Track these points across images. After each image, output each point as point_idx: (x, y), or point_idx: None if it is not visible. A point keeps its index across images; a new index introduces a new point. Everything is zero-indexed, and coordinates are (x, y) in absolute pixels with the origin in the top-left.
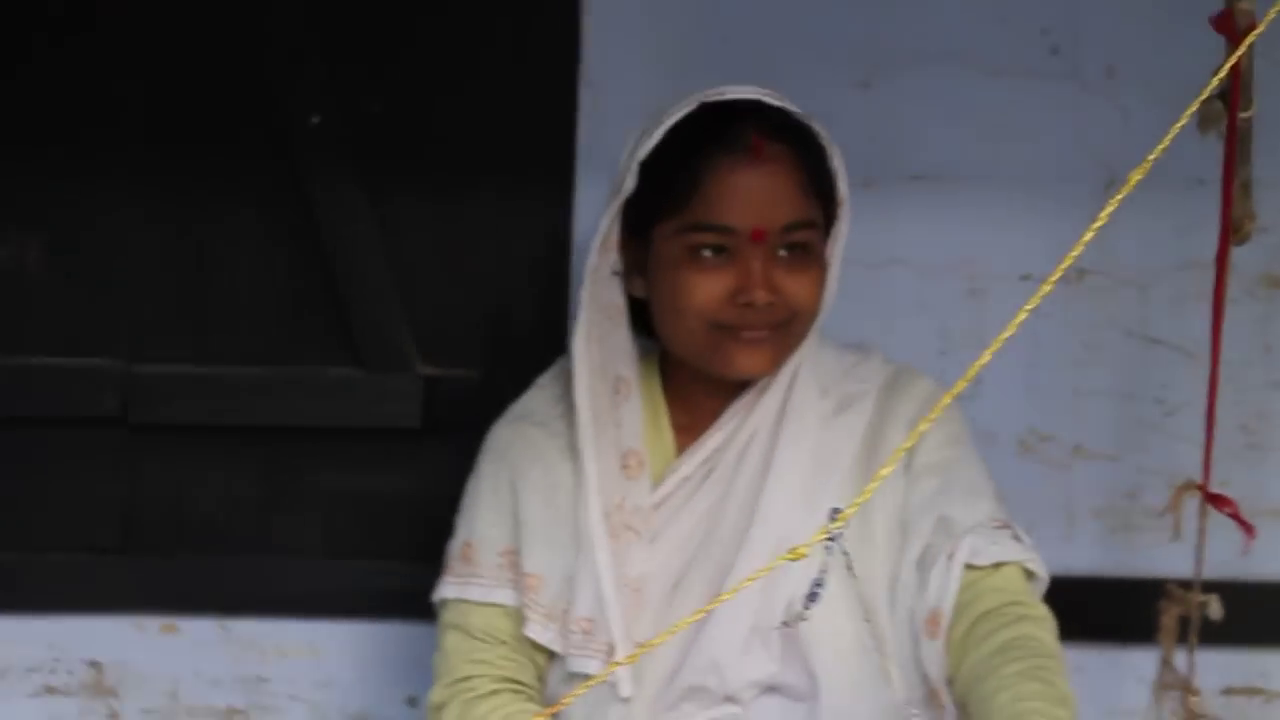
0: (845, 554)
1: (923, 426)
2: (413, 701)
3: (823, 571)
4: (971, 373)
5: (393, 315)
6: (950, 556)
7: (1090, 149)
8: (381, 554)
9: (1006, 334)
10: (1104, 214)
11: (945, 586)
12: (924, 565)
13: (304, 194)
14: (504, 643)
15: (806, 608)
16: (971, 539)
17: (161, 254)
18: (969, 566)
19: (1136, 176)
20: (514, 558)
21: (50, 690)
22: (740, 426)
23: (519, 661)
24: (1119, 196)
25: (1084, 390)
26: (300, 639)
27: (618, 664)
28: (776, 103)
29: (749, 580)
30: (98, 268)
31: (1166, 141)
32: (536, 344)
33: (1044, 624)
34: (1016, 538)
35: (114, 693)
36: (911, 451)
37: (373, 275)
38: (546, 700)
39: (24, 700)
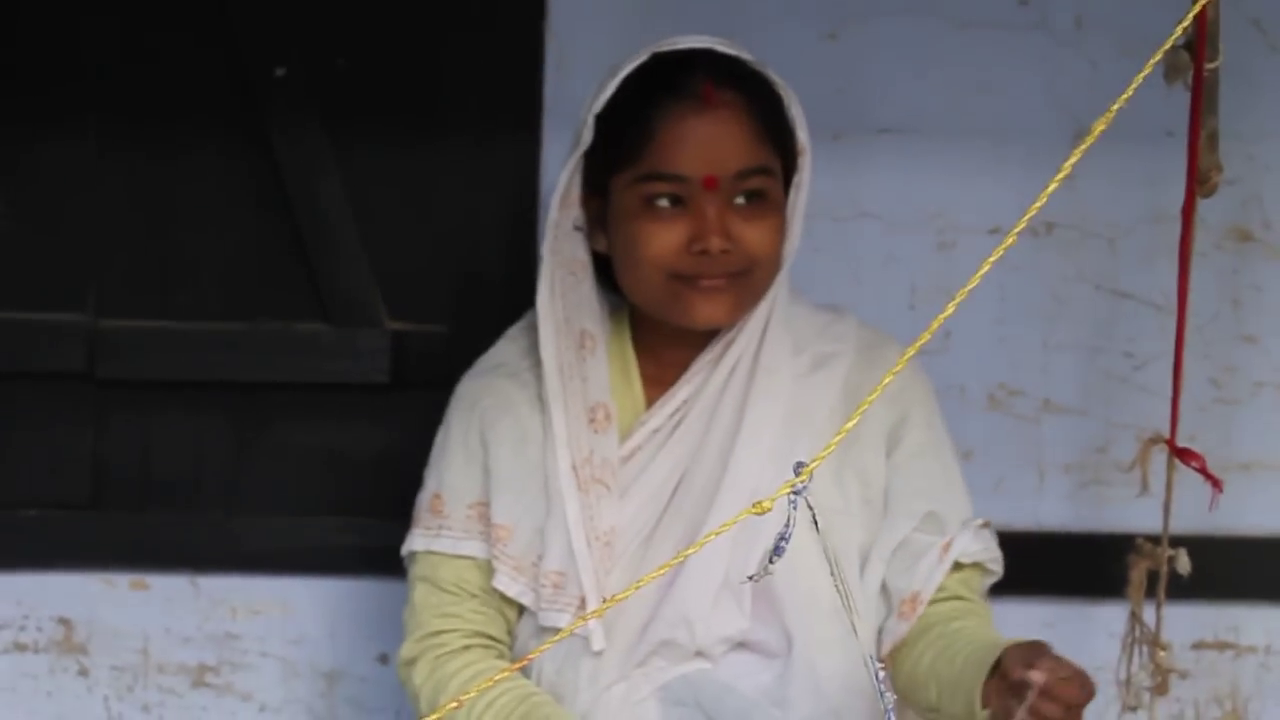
0: (811, 509)
1: (887, 379)
2: (384, 659)
3: (788, 526)
4: (936, 324)
5: (360, 270)
6: (945, 550)
7: (1059, 101)
8: (351, 510)
9: (970, 285)
10: (1067, 165)
11: (931, 577)
12: (909, 551)
13: (269, 147)
14: (474, 596)
15: (772, 562)
16: (963, 538)
17: (127, 208)
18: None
19: (1100, 126)
20: (484, 509)
21: (19, 647)
22: (709, 378)
23: (489, 615)
24: (1083, 147)
25: (1053, 344)
26: (271, 596)
27: (586, 618)
28: (729, 51)
29: (712, 535)
30: (63, 222)
31: (1129, 91)
32: (505, 298)
33: (988, 619)
34: (985, 531)
35: (84, 650)
36: (894, 432)
37: (339, 229)
38: (517, 654)
39: None
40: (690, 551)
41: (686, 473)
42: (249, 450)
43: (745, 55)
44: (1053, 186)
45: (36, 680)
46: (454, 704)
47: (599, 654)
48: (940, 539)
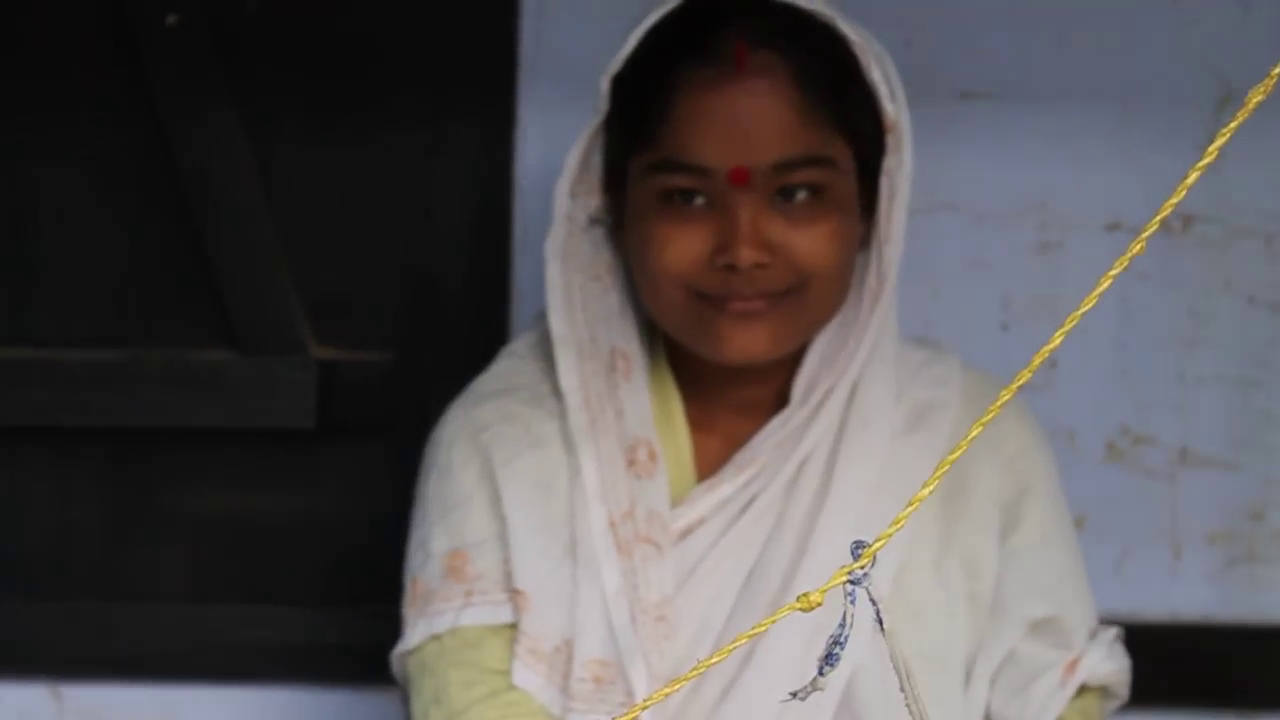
0: (874, 603)
1: (974, 431)
2: None
3: (844, 627)
4: (1040, 357)
5: (278, 282)
6: (1070, 671)
7: (1199, 56)
8: (263, 596)
9: (1088, 304)
10: (1216, 144)
11: (1047, 708)
12: (1021, 670)
13: (159, 120)
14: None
15: (822, 673)
16: (1092, 655)
17: None
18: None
19: (1258, 96)
20: (507, 566)
21: None
22: (790, 446)
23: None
24: (1236, 122)
25: (1192, 376)
26: (156, 709)
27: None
28: None
29: (747, 636)
30: None
31: None
32: (467, 318)
33: None
34: (1123, 650)
35: None
36: (1012, 510)
37: (251, 229)
38: None
39: None
40: (717, 658)
41: (764, 555)
42: (131, 518)
43: (804, 2)
44: (1195, 174)
45: None
46: None
47: None
48: (1062, 655)
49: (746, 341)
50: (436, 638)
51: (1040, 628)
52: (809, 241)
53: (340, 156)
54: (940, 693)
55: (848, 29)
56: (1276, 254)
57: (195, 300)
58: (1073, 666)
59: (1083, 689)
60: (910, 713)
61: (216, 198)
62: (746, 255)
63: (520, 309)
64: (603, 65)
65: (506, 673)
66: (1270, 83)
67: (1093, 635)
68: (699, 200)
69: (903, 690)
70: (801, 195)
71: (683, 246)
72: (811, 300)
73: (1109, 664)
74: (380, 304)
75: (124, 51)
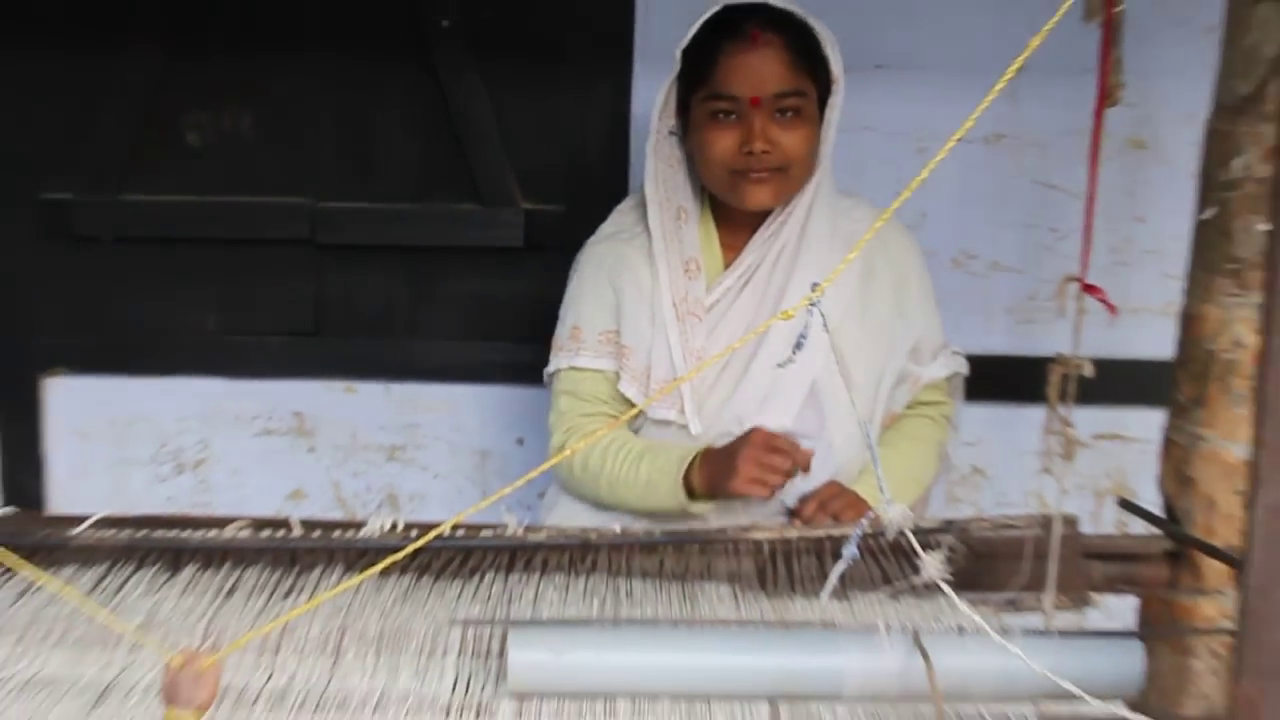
0: (823, 315)
1: (871, 231)
2: (520, 441)
3: (806, 328)
4: (904, 196)
5: (502, 166)
6: (916, 382)
7: (1009, 41)
8: (495, 336)
9: (922, 175)
10: (997, 87)
11: (902, 400)
12: (899, 376)
13: (438, 78)
14: (605, 402)
15: (794, 353)
16: (936, 364)
17: (338, 125)
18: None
19: (1022, 57)
20: (613, 335)
21: (268, 432)
22: (769, 248)
23: (616, 415)
24: (1009, 74)
25: (999, 222)
26: (441, 397)
27: (658, 394)
28: (780, 4)
29: (754, 333)
30: (293, 134)
31: (1049, 27)
32: (604, 187)
33: (940, 422)
34: (954, 354)
35: (312, 434)
36: (899, 290)
37: (488, 138)
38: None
39: (250, 439)
40: (738, 344)
41: (754, 316)
42: (425, 294)
43: (794, 9)
44: (986, 102)
45: (280, 455)
46: (571, 448)
47: (696, 435)
48: (920, 369)
49: (760, 196)
50: (557, 371)
51: (912, 353)
52: (792, 139)
53: (537, 99)
54: (863, 392)
55: (815, 23)
56: (1047, 155)
57: (458, 177)
58: (919, 377)
59: (936, 380)
60: (841, 376)
61: (469, 122)
62: (759, 145)
63: (631, 183)
64: (675, 46)
65: (594, 398)
66: (1031, 48)
67: (936, 355)
68: (732, 116)
69: (837, 365)
70: (789, 114)
71: (725, 142)
72: (794, 173)
73: (946, 367)
74: (558, 178)
75: (415, 41)
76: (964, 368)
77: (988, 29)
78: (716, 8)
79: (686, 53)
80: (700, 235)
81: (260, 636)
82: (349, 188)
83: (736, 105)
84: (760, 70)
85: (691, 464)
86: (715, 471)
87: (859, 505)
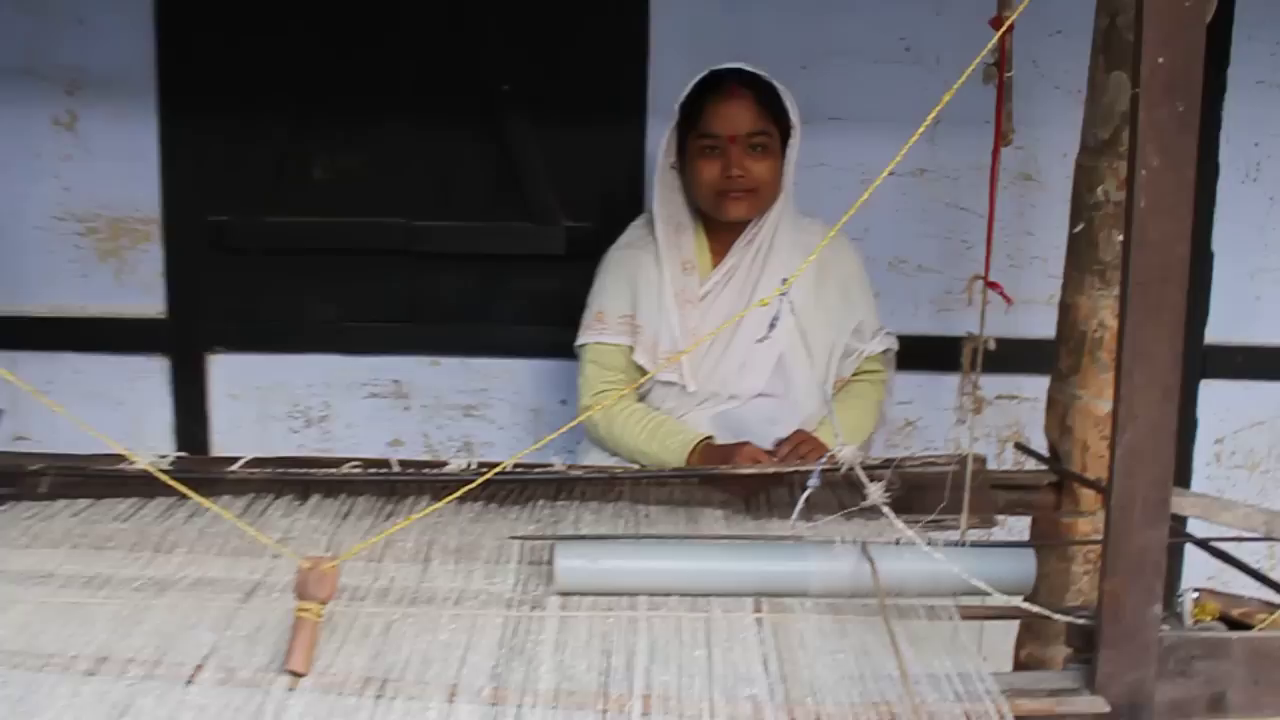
0: (791, 302)
1: (824, 241)
2: (563, 402)
3: (778, 311)
4: (846, 216)
5: (548, 193)
6: (859, 355)
7: (931, 100)
8: (544, 322)
9: (863, 198)
10: (917, 133)
11: (849, 369)
12: (844, 351)
13: (500, 128)
14: (622, 370)
15: (769, 329)
16: (870, 345)
17: (425, 163)
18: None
19: (935, 110)
20: (629, 318)
21: (374, 395)
22: (745, 253)
23: (630, 382)
24: (926, 122)
25: (923, 235)
26: (504, 369)
27: (662, 366)
28: (751, 69)
29: (737, 316)
30: (392, 170)
31: (955, 87)
32: (625, 208)
33: (879, 384)
34: (888, 334)
35: (407, 397)
36: (844, 286)
37: (537, 172)
38: (647, 403)
39: (360, 400)
40: (723, 326)
41: (735, 303)
42: (491, 291)
43: (762, 72)
44: (909, 144)
45: (383, 412)
46: (596, 406)
47: (692, 394)
48: (862, 345)
49: (737, 209)
50: (584, 345)
51: (856, 333)
52: (761, 168)
53: (575, 144)
54: (819, 361)
55: (777, 83)
56: (959, 184)
57: (514, 203)
58: (861, 351)
59: (873, 355)
60: (807, 354)
61: (525, 163)
62: (736, 171)
63: (644, 204)
64: (675, 101)
65: (614, 367)
66: (942, 104)
67: (875, 335)
68: (716, 150)
69: (803, 342)
70: (758, 149)
71: (711, 170)
72: (762, 194)
73: (882, 344)
74: (591, 203)
75: (483, 100)
76: (896, 345)
77: (913, 90)
78: (704, 72)
79: (682, 105)
80: (694, 242)
81: (368, 548)
82: (434, 210)
83: (719, 142)
84: (736, 115)
85: (692, 453)
86: (710, 465)
87: (820, 448)
